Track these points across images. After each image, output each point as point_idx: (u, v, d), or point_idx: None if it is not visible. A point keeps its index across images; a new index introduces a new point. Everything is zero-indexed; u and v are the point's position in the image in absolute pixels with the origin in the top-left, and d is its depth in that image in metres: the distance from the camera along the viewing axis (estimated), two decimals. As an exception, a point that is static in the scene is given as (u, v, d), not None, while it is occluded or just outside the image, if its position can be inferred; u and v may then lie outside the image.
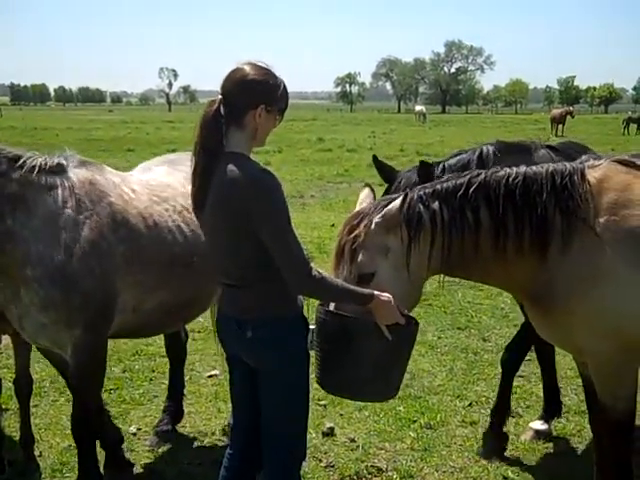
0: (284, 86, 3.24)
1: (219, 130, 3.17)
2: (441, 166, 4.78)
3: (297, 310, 3.31)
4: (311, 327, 3.38)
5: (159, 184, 4.67)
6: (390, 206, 3.42)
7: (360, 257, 3.38)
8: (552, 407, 5.43)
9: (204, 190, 3.21)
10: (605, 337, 3.51)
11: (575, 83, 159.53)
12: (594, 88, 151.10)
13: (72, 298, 3.93)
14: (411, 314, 3.49)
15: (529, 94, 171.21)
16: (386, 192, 4.73)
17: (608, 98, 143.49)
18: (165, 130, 44.19)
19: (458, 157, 4.86)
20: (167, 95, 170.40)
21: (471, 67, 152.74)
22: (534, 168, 3.65)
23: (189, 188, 4.58)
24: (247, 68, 3.18)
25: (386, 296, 3.19)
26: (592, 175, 3.60)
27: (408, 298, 3.48)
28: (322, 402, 5.69)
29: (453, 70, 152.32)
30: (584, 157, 3.93)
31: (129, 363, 6.82)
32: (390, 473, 4.79)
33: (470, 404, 5.83)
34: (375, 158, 5.08)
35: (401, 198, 3.44)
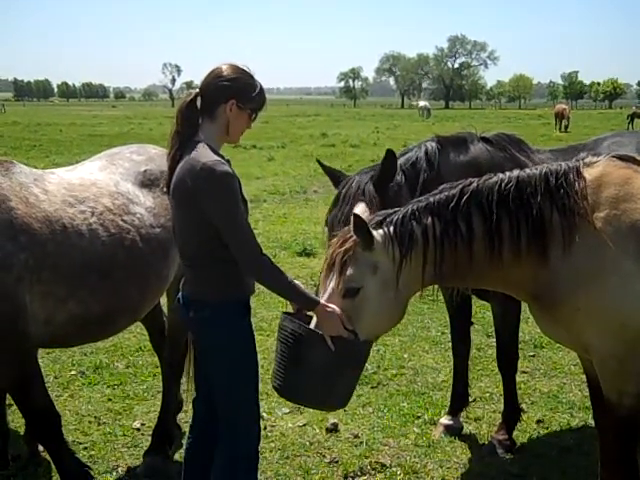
0: (260, 88, 3.48)
1: (193, 119, 3.44)
2: None
3: (240, 297, 3.49)
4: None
5: (82, 183, 4.30)
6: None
7: (349, 271, 3.41)
8: (459, 400, 5.42)
9: (172, 175, 3.42)
10: (610, 333, 3.49)
11: (579, 78, 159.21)
12: (598, 83, 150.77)
13: None
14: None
15: (533, 89, 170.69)
16: (336, 198, 4.57)
17: (612, 93, 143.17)
18: (168, 126, 43.15)
19: (406, 156, 4.77)
20: (170, 91, 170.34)
21: (475, 62, 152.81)
22: (527, 171, 3.66)
23: (126, 185, 4.48)
24: (224, 67, 3.45)
25: (331, 307, 3.35)
26: (590, 171, 3.61)
27: (392, 315, 3.53)
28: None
29: (457, 65, 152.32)
30: (582, 154, 3.93)
31: (133, 359, 6.82)
32: (394, 469, 4.78)
33: (474, 400, 5.82)
34: (319, 162, 4.98)
35: (395, 216, 3.51)
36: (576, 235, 3.47)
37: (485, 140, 4.93)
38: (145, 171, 4.65)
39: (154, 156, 4.83)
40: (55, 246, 3.89)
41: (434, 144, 4.78)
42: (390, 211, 3.62)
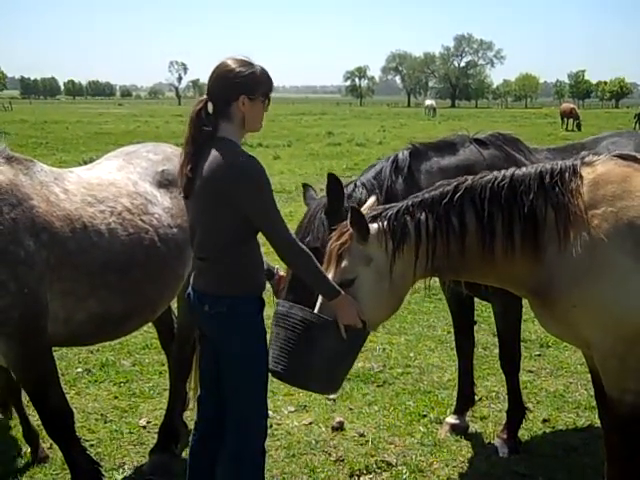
0: (262, 71, 3.47)
1: (207, 123, 3.43)
2: (352, 185, 4.57)
3: (255, 291, 3.55)
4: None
5: (100, 182, 4.33)
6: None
7: (344, 263, 3.56)
8: (465, 399, 5.42)
9: (192, 179, 3.43)
10: (609, 329, 3.52)
11: (585, 77, 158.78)
12: (605, 82, 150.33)
13: None
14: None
15: (539, 88, 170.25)
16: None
17: (619, 92, 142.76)
18: (174, 124, 44.17)
19: (373, 169, 4.72)
20: (176, 89, 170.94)
21: (481, 61, 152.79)
22: (523, 169, 3.74)
23: (144, 185, 4.50)
24: (222, 65, 3.45)
25: (351, 298, 3.49)
26: (589, 170, 3.65)
27: (387, 305, 3.66)
28: (332, 396, 5.68)
29: (463, 64, 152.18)
30: (583, 153, 3.95)
31: (139, 357, 6.84)
32: (400, 468, 4.78)
33: (480, 399, 5.81)
34: (304, 186, 4.79)
35: (390, 211, 3.63)
36: (571, 232, 3.51)
37: (478, 142, 4.93)
38: (163, 171, 4.69)
39: (170, 155, 4.85)
40: (75, 245, 3.93)
41: (406, 152, 4.76)
42: (387, 206, 3.75)
